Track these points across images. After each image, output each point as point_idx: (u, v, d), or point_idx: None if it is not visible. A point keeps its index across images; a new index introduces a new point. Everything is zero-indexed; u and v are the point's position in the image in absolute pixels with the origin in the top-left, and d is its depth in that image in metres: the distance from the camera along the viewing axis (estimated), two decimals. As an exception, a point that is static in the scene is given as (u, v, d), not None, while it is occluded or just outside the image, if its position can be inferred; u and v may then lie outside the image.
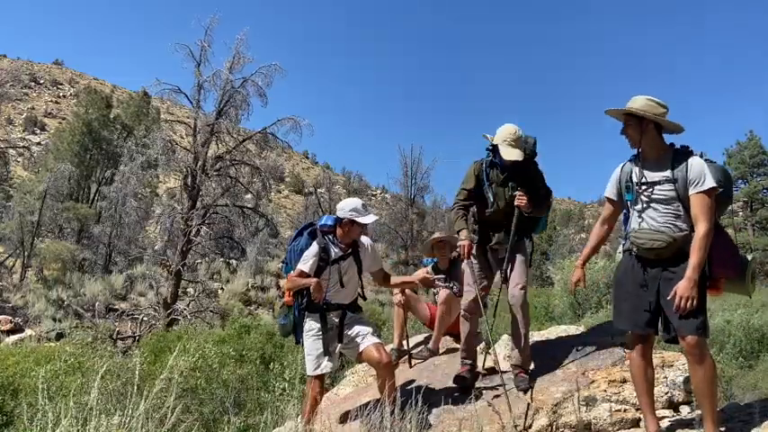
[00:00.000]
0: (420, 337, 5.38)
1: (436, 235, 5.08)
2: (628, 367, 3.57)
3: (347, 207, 3.71)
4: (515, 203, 3.75)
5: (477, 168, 3.91)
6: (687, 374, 3.68)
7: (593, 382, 3.61)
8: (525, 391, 3.60)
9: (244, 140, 16.99)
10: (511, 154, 3.72)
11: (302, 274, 3.62)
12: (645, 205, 2.89)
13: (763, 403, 3.31)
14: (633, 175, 2.96)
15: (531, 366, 4.00)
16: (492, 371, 3.99)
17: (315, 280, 3.55)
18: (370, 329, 3.76)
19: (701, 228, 2.70)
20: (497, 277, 3.99)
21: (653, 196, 2.86)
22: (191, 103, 16.59)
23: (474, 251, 3.87)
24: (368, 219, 3.71)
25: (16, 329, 15.81)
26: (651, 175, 2.88)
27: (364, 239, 3.87)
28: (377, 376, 3.74)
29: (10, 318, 16.21)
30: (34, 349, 8.73)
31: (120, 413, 2.33)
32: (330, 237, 3.75)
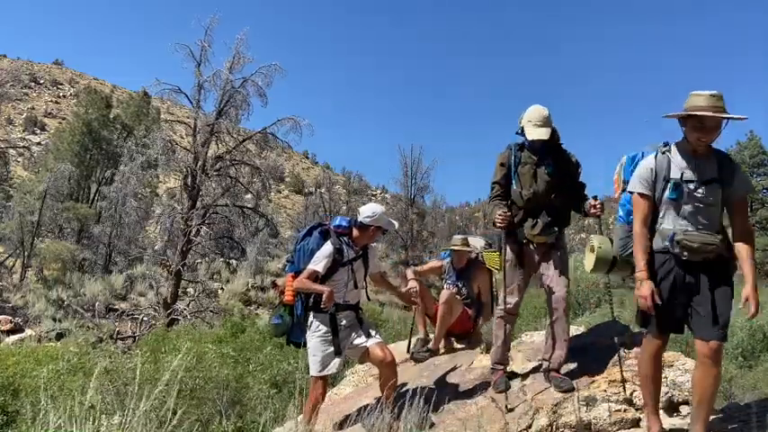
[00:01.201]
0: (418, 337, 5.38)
1: (461, 247, 4.85)
2: (628, 367, 3.59)
3: (377, 213, 3.75)
4: (591, 212, 3.59)
5: (503, 157, 3.72)
6: (688, 375, 3.69)
7: (593, 382, 3.61)
8: (568, 392, 3.48)
9: (244, 140, 17.00)
10: (537, 133, 3.53)
11: (314, 275, 3.59)
12: (692, 206, 2.74)
13: (763, 404, 3.32)
14: (674, 170, 2.78)
15: (531, 366, 4.01)
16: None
17: (328, 289, 3.51)
18: (374, 329, 3.79)
19: (750, 232, 2.68)
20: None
21: (701, 197, 2.73)
22: (191, 103, 16.61)
23: (511, 252, 3.69)
24: (394, 225, 3.78)
25: (16, 329, 15.81)
26: (702, 174, 2.73)
27: (374, 243, 3.94)
28: (379, 374, 3.74)
29: (10, 318, 16.20)
30: (35, 349, 8.75)
31: (121, 413, 2.33)
32: (345, 238, 3.74)
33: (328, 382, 3.82)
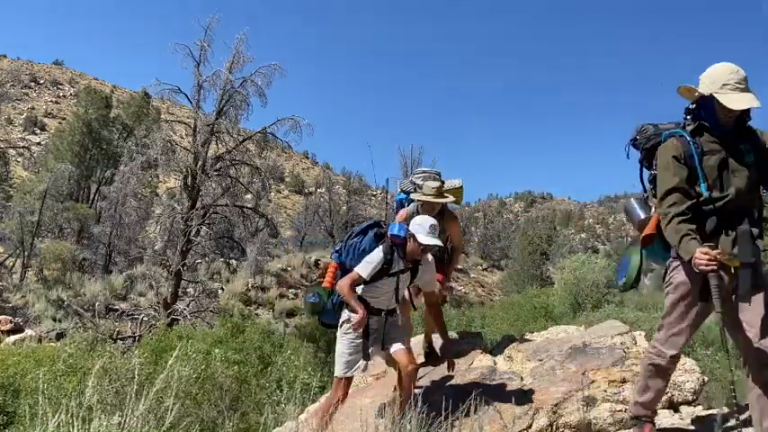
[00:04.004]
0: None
1: (436, 199, 4.09)
2: (628, 367, 3.58)
3: (415, 221, 3.59)
4: None
5: (675, 147, 2.59)
6: (688, 374, 3.68)
7: (593, 382, 3.61)
8: None
9: (244, 140, 16.98)
10: (740, 101, 2.44)
11: (358, 281, 3.50)
12: None
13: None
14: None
15: (532, 366, 4.00)
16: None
17: (361, 314, 3.41)
18: (405, 335, 3.73)
19: None
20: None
21: None
22: (190, 103, 16.58)
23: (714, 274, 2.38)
24: (426, 240, 3.51)
25: (16, 329, 15.80)
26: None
27: (429, 256, 3.75)
28: (399, 378, 3.62)
29: (10, 318, 16.20)
30: (35, 350, 8.75)
31: (120, 413, 2.33)
32: (398, 248, 3.58)
33: (351, 383, 3.74)
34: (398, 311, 3.73)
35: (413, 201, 4.33)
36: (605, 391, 3.52)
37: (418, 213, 4.14)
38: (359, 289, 3.55)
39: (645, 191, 2.92)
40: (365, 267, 3.49)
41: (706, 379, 3.86)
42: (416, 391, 3.67)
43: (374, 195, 58.37)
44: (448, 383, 4.11)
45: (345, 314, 3.62)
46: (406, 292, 4.02)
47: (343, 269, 3.68)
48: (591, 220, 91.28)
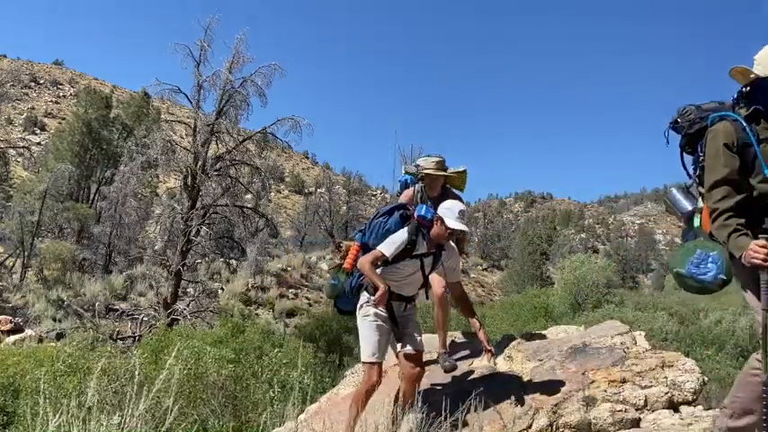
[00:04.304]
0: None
1: (436, 171, 4.25)
2: (628, 367, 3.58)
3: (444, 205, 3.44)
4: None
5: (727, 134, 2.35)
6: (688, 374, 3.68)
7: (593, 382, 3.61)
8: None
9: (244, 140, 16.98)
10: None
11: (380, 258, 3.36)
12: None
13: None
14: None
15: (531, 366, 4.00)
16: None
17: (384, 288, 3.26)
18: (418, 331, 3.57)
19: None
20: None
21: None
22: (190, 103, 16.59)
23: None
24: (454, 224, 3.35)
25: (16, 329, 15.81)
26: None
27: (452, 243, 3.64)
28: (402, 382, 3.49)
29: (10, 318, 16.21)
30: (35, 350, 8.75)
31: (120, 413, 2.33)
32: (424, 231, 3.46)
33: (383, 368, 3.53)
34: (416, 304, 3.61)
35: (416, 182, 4.40)
36: (605, 391, 3.52)
37: (422, 194, 4.27)
38: (379, 271, 3.42)
39: (690, 178, 2.69)
40: (389, 246, 3.37)
41: (706, 379, 3.86)
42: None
43: (374, 195, 58.35)
44: (448, 383, 4.11)
45: (364, 297, 3.51)
46: (436, 285, 3.99)
47: (366, 250, 3.56)
48: (591, 220, 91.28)
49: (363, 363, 3.49)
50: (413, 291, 3.58)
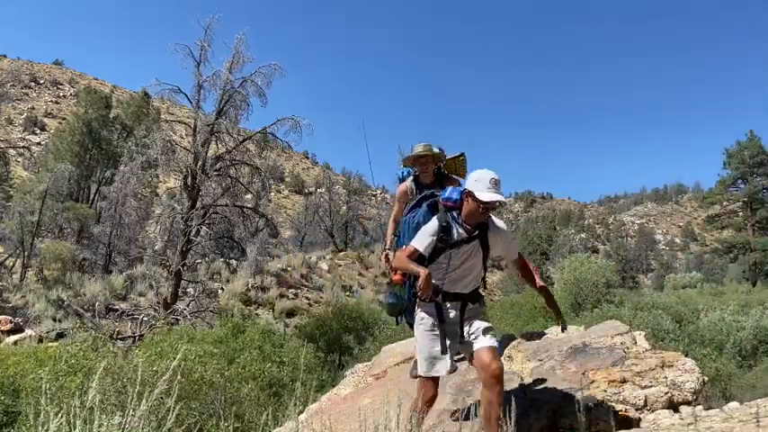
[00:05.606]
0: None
1: (425, 151, 4.20)
2: (628, 367, 3.59)
3: (472, 177, 3.01)
4: None
5: None
6: (688, 374, 3.68)
7: (593, 382, 3.61)
8: None
9: (244, 140, 16.99)
10: None
11: (413, 254, 3.01)
12: None
13: (763, 404, 3.31)
14: None
15: (531, 366, 4.00)
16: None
17: (425, 271, 2.90)
18: (487, 326, 3.10)
19: None
20: None
21: None
22: (190, 103, 16.59)
23: None
24: (487, 196, 2.90)
25: (16, 329, 15.81)
26: None
27: (498, 222, 3.15)
28: (482, 385, 2.99)
29: (10, 318, 16.20)
30: (35, 350, 8.75)
31: (121, 413, 2.34)
32: (454, 214, 3.06)
33: (438, 382, 3.17)
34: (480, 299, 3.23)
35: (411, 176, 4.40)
36: (605, 391, 3.53)
37: (417, 184, 4.24)
38: None
39: None
40: (420, 239, 3.02)
41: (706, 379, 3.87)
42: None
43: (374, 195, 58.34)
44: (448, 383, 4.12)
45: (419, 311, 3.17)
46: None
47: None
48: (591, 220, 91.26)
49: (419, 376, 3.19)
50: (468, 286, 3.15)
